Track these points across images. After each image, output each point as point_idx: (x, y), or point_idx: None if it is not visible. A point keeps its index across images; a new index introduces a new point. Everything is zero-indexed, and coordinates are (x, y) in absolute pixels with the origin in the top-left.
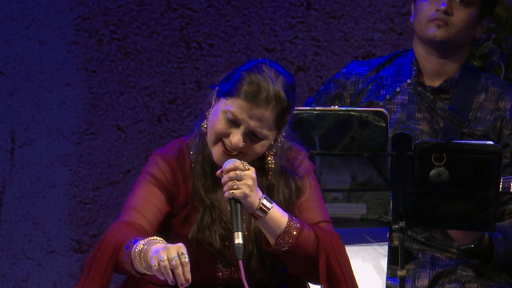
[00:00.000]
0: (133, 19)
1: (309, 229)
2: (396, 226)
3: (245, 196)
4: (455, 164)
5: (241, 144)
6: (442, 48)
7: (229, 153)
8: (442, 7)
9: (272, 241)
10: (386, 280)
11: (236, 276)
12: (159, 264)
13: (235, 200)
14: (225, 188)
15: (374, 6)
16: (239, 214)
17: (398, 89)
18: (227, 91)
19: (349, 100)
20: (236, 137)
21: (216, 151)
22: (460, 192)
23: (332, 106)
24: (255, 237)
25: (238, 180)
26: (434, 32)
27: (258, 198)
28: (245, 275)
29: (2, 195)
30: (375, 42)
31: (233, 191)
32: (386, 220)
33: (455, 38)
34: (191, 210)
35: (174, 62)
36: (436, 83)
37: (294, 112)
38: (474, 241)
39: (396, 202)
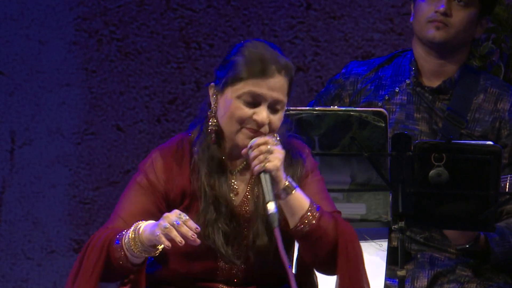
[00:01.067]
0: (133, 19)
1: (328, 214)
2: (396, 226)
3: (277, 168)
4: (455, 164)
5: (268, 119)
6: (441, 49)
7: (257, 133)
8: (441, 9)
9: (294, 222)
10: (385, 281)
11: (235, 271)
12: (164, 231)
13: (264, 173)
14: (255, 162)
15: (374, 6)
16: (269, 184)
17: (397, 90)
18: (232, 79)
19: (348, 100)
20: (263, 114)
21: (241, 137)
22: (460, 192)
23: (331, 106)
24: (254, 239)
25: (270, 153)
26: (433, 33)
27: (284, 175)
28: (244, 272)
29: (2, 195)
30: (375, 42)
31: (264, 164)
32: (386, 220)
33: (454, 39)
34: (191, 203)
35: (174, 62)
36: (435, 84)
37: (294, 112)
38: (469, 242)
39: (396, 202)
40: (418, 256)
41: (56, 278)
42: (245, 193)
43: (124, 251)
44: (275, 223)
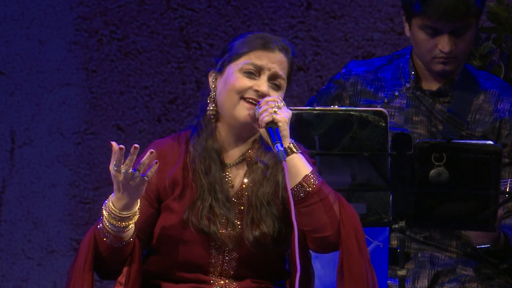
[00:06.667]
0: (133, 19)
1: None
2: (396, 226)
3: (285, 122)
4: (455, 164)
5: (268, 91)
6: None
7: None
8: (447, 50)
9: (296, 181)
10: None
11: (228, 261)
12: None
13: (273, 124)
14: (264, 114)
15: (374, 6)
16: (276, 132)
17: (396, 93)
18: (234, 56)
19: (348, 101)
20: (263, 84)
21: (239, 109)
22: (460, 192)
23: (332, 106)
24: (255, 240)
25: (278, 108)
26: (442, 67)
27: (289, 137)
28: (240, 268)
29: (2, 195)
30: (375, 42)
31: (273, 115)
32: (386, 220)
33: (463, 62)
34: (183, 192)
35: (174, 62)
36: (435, 86)
37: (294, 111)
38: (491, 241)
39: (396, 202)
40: (419, 255)
41: (56, 278)
42: (240, 186)
43: (106, 228)
44: (283, 157)
